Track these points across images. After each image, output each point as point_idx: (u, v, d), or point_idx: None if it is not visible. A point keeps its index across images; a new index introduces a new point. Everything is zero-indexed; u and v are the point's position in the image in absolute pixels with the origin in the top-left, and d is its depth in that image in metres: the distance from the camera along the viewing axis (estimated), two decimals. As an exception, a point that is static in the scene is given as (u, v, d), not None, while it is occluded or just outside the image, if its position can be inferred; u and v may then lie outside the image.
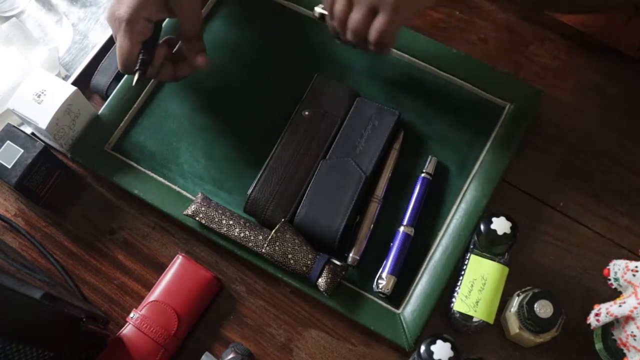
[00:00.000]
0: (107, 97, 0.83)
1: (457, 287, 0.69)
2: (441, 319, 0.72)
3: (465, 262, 0.69)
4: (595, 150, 0.79)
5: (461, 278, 0.69)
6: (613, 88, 0.82)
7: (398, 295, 0.72)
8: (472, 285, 0.67)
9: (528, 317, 0.65)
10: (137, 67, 0.72)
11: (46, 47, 0.88)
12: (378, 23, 0.67)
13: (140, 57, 0.72)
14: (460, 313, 0.68)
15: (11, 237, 0.79)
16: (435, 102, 0.80)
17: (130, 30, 0.70)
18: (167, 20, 0.77)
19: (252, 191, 0.74)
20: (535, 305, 0.64)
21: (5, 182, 0.76)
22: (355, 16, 0.68)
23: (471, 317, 0.67)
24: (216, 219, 0.73)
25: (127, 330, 0.71)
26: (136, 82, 0.72)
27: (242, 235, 0.72)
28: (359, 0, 0.67)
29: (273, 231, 0.71)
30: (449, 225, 0.74)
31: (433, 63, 0.81)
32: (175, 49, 0.79)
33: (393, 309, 0.72)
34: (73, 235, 0.79)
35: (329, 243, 0.72)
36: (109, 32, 0.88)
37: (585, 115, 0.80)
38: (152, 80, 0.83)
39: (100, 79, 0.84)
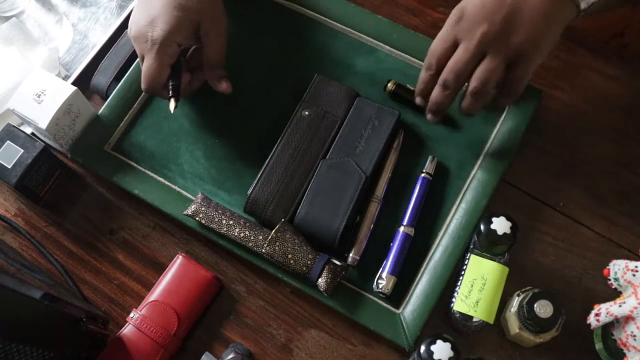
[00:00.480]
0: (107, 97, 0.83)
1: (457, 287, 0.69)
2: (441, 319, 0.72)
3: (465, 262, 0.69)
4: (596, 150, 0.78)
5: (461, 278, 0.69)
6: (613, 88, 0.81)
7: (398, 295, 0.72)
8: (472, 285, 0.67)
9: (528, 317, 0.64)
10: (170, 95, 0.74)
11: (46, 47, 0.88)
12: (517, 75, 0.66)
13: (171, 83, 0.74)
14: (460, 313, 0.68)
15: (11, 237, 0.79)
16: (435, 102, 0.80)
17: (162, 52, 0.71)
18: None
19: (252, 191, 0.74)
20: (535, 305, 0.64)
21: (5, 182, 0.76)
22: (490, 65, 0.66)
23: (471, 317, 0.67)
24: (216, 219, 0.73)
25: (127, 330, 0.71)
26: (174, 109, 0.74)
27: (242, 235, 0.72)
28: (496, 50, 0.65)
29: (273, 231, 0.71)
30: (449, 225, 0.74)
31: (433, 63, 0.81)
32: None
33: (393, 309, 0.72)
34: (73, 235, 0.79)
35: (329, 243, 0.72)
36: (109, 32, 0.87)
37: (585, 115, 0.80)
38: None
39: (100, 79, 0.84)
